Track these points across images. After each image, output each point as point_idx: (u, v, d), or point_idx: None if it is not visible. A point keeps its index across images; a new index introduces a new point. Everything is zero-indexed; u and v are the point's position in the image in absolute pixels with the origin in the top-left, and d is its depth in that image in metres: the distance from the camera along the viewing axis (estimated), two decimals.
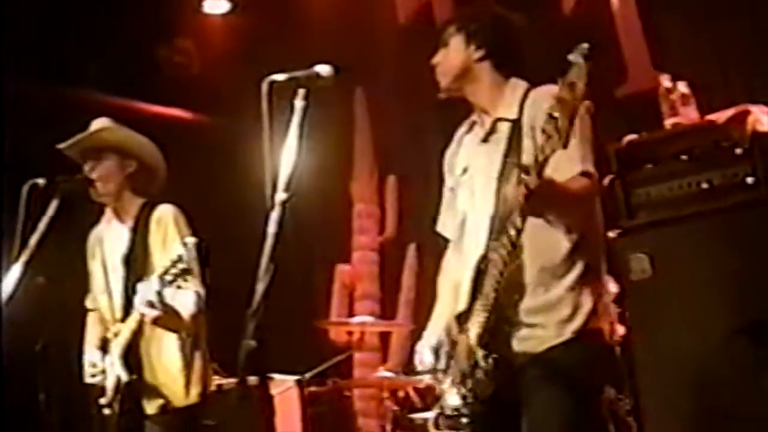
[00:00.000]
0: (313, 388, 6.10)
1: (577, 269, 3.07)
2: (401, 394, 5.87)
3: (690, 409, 3.92)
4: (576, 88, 2.58)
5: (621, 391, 5.22)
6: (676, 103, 4.41)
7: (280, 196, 2.54)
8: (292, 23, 7.68)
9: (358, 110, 8.27)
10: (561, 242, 3.07)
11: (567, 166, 2.95)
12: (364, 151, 8.22)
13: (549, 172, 2.76)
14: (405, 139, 7.73)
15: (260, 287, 2.43)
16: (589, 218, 3.16)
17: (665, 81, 4.56)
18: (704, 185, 4.06)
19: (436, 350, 3.20)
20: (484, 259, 3.03)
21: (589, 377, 3.06)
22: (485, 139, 3.26)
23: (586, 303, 3.06)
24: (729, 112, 4.06)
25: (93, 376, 4.06)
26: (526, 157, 2.95)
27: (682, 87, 4.49)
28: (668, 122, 4.40)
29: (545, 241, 3.05)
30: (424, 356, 3.26)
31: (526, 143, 3.05)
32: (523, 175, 2.76)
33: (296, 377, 5.88)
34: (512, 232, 2.87)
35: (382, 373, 6.47)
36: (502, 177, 3.08)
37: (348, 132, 8.24)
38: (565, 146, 2.61)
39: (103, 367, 4.01)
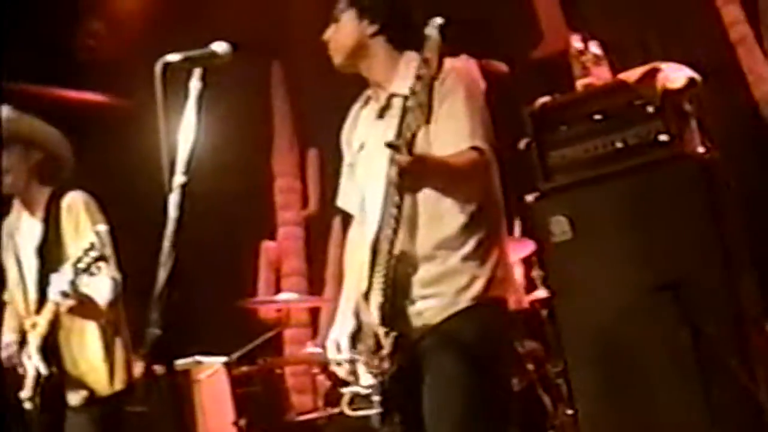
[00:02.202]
0: (243, 368, 6.06)
1: (474, 240, 3.05)
2: (332, 368, 5.84)
3: (613, 367, 3.95)
4: (431, 62, 2.60)
5: (549, 354, 5.30)
6: (587, 63, 4.41)
7: (179, 179, 2.48)
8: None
9: (275, 84, 8.21)
10: (456, 215, 3.05)
11: (454, 141, 2.95)
12: (283, 125, 8.17)
13: (438, 149, 2.74)
14: (324, 111, 7.65)
15: (162, 273, 2.37)
16: (486, 190, 3.14)
17: (576, 42, 4.56)
18: (619, 144, 4.08)
19: (353, 337, 3.16)
20: (377, 240, 3.01)
21: (489, 346, 3.04)
22: (380, 115, 3.23)
23: (484, 272, 3.04)
24: (640, 71, 4.08)
25: (9, 358, 3.97)
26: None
27: (594, 47, 4.50)
28: (580, 83, 4.41)
29: (439, 213, 3.03)
30: (342, 344, 3.19)
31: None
32: (394, 153, 2.74)
33: (224, 359, 5.83)
34: (393, 210, 2.86)
35: (312, 348, 6.45)
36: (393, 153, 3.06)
37: (267, 106, 8.18)
38: (428, 121, 2.62)
39: (16, 347, 3.93)
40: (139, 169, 6.43)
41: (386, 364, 2.97)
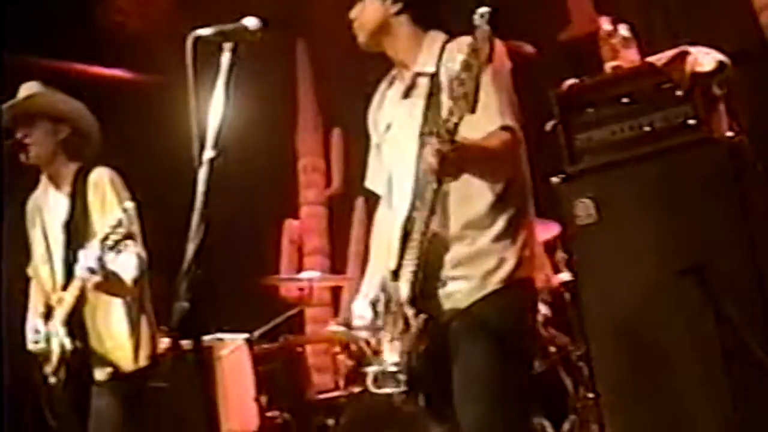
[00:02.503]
0: (264, 346, 6.09)
1: (502, 220, 3.07)
2: (354, 348, 5.87)
3: (636, 351, 3.94)
4: (481, 53, 2.59)
5: (572, 337, 5.29)
6: (616, 46, 4.38)
7: (208, 153, 2.48)
8: None
9: (300, 63, 8.21)
10: (485, 194, 3.06)
11: (485, 121, 2.94)
12: (307, 105, 8.17)
13: (467, 129, 2.75)
14: (349, 91, 7.66)
15: (191, 247, 2.38)
16: (514, 168, 3.15)
17: (605, 24, 4.53)
18: (646, 128, 4.05)
19: (374, 305, 3.19)
20: (409, 220, 3.02)
21: (516, 330, 3.07)
22: (406, 95, 3.23)
23: (512, 253, 3.06)
24: (668, 54, 4.04)
25: (36, 342, 4.00)
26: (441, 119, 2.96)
27: (623, 30, 4.46)
28: (609, 66, 4.38)
29: (469, 193, 3.04)
30: (363, 312, 3.24)
31: (445, 100, 3.02)
32: (434, 140, 2.75)
33: (245, 336, 5.86)
34: (429, 195, 2.87)
35: (334, 327, 6.46)
36: (423, 134, 3.06)
37: (291, 85, 8.17)
38: (473, 111, 2.63)
39: (47, 334, 3.95)
40: (163, 145, 6.49)
41: (414, 345, 2.98)
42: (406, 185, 3.12)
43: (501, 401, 3.00)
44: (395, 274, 3.07)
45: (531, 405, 3.17)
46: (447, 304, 3.03)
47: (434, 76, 3.11)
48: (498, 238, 3.05)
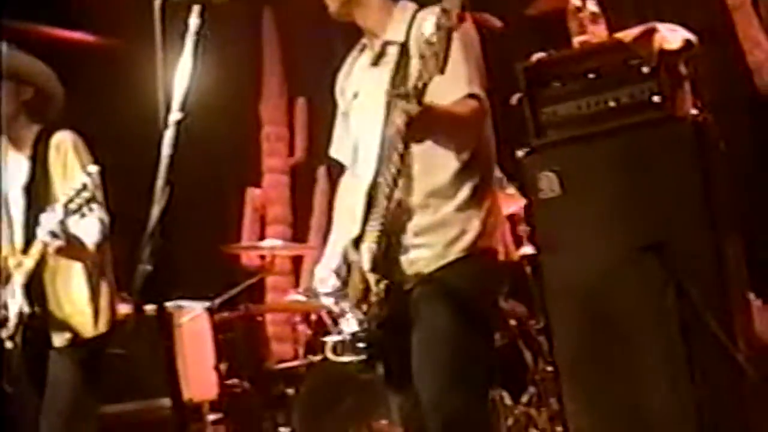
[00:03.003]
0: (224, 314, 6.07)
1: (466, 190, 3.07)
2: (314, 317, 5.87)
3: (595, 325, 3.97)
4: (451, 14, 2.57)
5: (532, 310, 5.32)
6: (584, 21, 4.37)
7: (174, 115, 2.46)
8: None
9: (266, 31, 8.15)
10: (449, 163, 3.06)
11: (452, 88, 2.94)
12: (272, 73, 8.12)
13: (435, 95, 2.74)
14: (314, 60, 7.62)
15: (155, 210, 2.35)
16: (480, 138, 3.14)
17: None
18: (611, 103, 4.06)
19: (337, 273, 3.20)
20: (374, 185, 3.02)
21: (477, 298, 3.07)
22: (375, 63, 3.22)
23: (475, 223, 3.06)
24: (636, 31, 4.05)
25: None
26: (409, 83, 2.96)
27: (592, 5, 4.46)
28: (576, 40, 4.38)
29: (433, 162, 3.04)
30: (324, 275, 3.26)
31: (414, 66, 3.01)
32: (403, 102, 2.73)
33: (206, 304, 5.84)
34: (395, 158, 2.86)
35: (294, 296, 6.46)
36: (391, 102, 3.05)
37: (257, 53, 8.12)
38: (442, 71, 2.61)
39: (4, 298, 3.91)
40: (128, 109, 6.43)
41: (375, 311, 2.99)
42: (372, 153, 3.11)
43: (460, 370, 3.00)
44: (358, 241, 3.07)
45: (491, 375, 3.16)
46: (409, 272, 3.03)
47: (404, 45, 3.10)
48: (461, 208, 3.06)
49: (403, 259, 3.03)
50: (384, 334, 3.03)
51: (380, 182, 2.97)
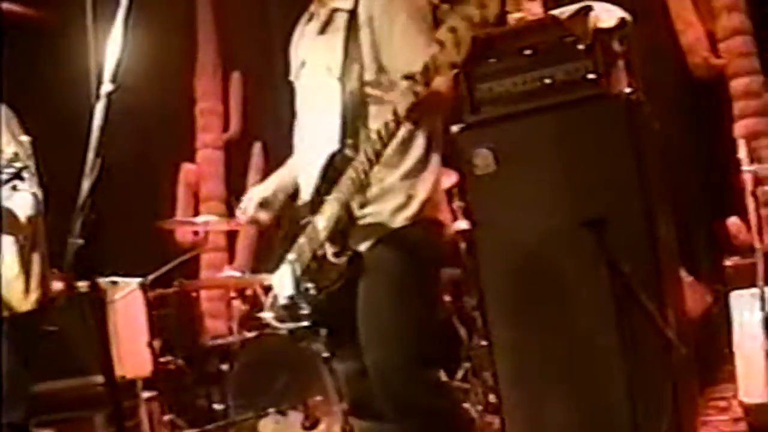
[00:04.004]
0: (158, 291, 6.02)
1: (411, 159, 3.08)
2: (249, 293, 5.85)
3: (530, 300, 4.01)
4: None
5: (466, 286, 5.36)
6: None
7: (106, 87, 2.43)
8: None
9: (200, 4, 8.06)
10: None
11: (412, 59, 2.87)
12: (207, 47, 8.03)
13: (393, 64, 2.73)
14: (250, 34, 7.57)
15: (86, 183, 2.32)
16: None
17: None
18: (547, 80, 4.08)
19: (263, 203, 3.30)
20: (340, 155, 3.00)
21: (422, 266, 3.09)
22: (322, 31, 3.20)
23: (420, 192, 3.07)
24: (572, 8, 4.08)
25: None
26: (366, 51, 2.99)
27: None
28: (512, 17, 4.39)
29: None
30: (248, 205, 3.35)
31: (363, 34, 3.01)
32: (409, 83, 2.71)
33: (139, 280, 5.78)
34: (384, 135, 2.82)
35: (229, 272, 6.43)
36: (344, 71, 3.04)
37: (191, 26, 8.03)
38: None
39: None
40: (59, 82, 6.34)
41: (329, 279, 3.00)
42: (317, 121, 3.11)
43: (406, 336, 3.03)
44: (310, 206, 3.07)
45: (434, 346, 3.17)
46: (356, 240, 3.02)
47: (352, 12, 3.08)
48: (406, 176, 3.06)
49: (355, 227, 3.02)
50: (327, 300, 3.03)
51: (347, 154, 2.96)
